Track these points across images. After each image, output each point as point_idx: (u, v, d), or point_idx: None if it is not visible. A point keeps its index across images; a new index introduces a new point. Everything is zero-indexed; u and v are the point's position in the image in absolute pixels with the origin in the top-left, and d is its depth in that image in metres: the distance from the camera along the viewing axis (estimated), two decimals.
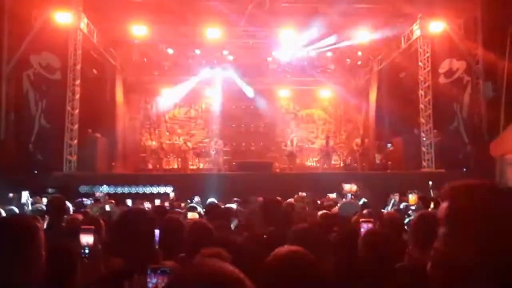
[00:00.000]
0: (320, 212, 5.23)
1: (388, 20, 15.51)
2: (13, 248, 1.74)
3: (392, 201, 7.52)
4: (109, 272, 2.41)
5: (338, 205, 4.95)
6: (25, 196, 7.69)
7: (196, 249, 2.71)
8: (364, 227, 3.27)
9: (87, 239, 2.67)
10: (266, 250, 2.83)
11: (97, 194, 4.90)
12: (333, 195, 9.40)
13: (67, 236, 2.81)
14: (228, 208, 6.71)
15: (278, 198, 5.15)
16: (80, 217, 4.32)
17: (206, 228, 3.24)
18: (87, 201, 7.23)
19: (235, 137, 20.76)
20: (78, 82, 14.05)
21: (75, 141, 13.86)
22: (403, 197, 8.68)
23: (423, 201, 7.06)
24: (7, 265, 1.72)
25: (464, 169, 14.00)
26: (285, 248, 1.53)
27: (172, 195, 11.56)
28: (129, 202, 8.50)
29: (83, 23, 14.14)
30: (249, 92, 19.53)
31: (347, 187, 8.00)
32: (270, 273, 1.43)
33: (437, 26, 14.39)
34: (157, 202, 7.60)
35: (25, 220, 1.98)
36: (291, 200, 7.33)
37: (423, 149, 14.63)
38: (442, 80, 15.01)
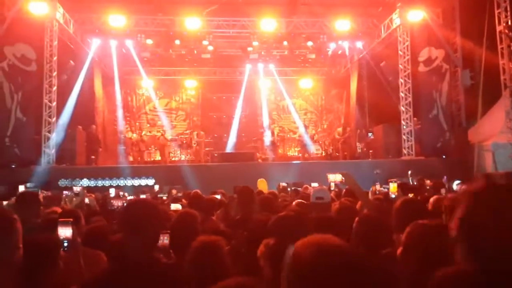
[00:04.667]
0: (296, 201, 5.21)
1: (368, 9, 15.57)
2: None
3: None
4: None
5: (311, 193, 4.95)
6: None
7: (183, 239, 2.67)
8: None
9: (65, 232, 2.58)
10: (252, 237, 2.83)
11: (75, 188, 4.79)
12: (315, 184, 9.42)
13: (44, 230, 2.72)
14: (211, 198, 6.67)
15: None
16: (59, 210, 4.20)
17: (194, 218, 3.21)
18: (67, 193, 7.11)
19: (216, 128, 20.65)
20: (55, 74, 13.75)
21: (53, 134, 13.58)
22: (383, 185, 8.79)
23: (403, 188, 7.13)
24: None
25: (443, 156, 14.22)
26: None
27: (156, 187, 11.44)
28: (112, 191, 8.37)
29: (59, 13, 13.78)
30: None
31: (331, 177, 7.97)
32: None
33: (416, 15, 14.49)
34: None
35: (3, 212, 1.90)
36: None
37: (403, 137, 14.79)
38: (421, 68, 15.15)
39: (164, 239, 2.60)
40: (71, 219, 2.65)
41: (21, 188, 7.72)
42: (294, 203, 5.04)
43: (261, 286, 2.13)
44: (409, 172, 10.34)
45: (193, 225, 3.18)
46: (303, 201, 4.92)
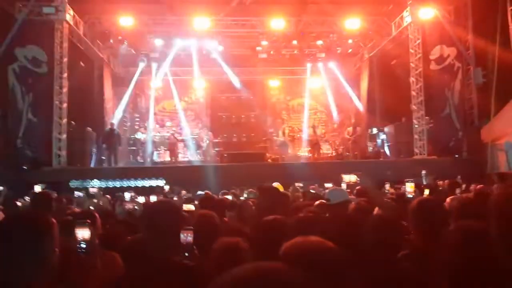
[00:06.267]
0: (318, 201, 5.14)
1: (378, 7, 15.44)
2: (28, 244, 1.73)
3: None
4: None
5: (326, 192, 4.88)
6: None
7: (206, 237, 2.64)
8: None
9: (83, 233, 2.54)
10: (273, 239, 2.77)
11: (91, 190, 4.75)
12: (329, 185, 9.32)
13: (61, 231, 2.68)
14: (222, 199, 6.60)
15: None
16: (76, 210, 4.18)
17: (213, 217, 3.20)
18: (79, 195, 7.07)
19: (226, 129, 20.61)
20: (65, 75, 13.79)
21: (64, 136, 13.63)
22: (395, 185, 8.66)
23: (419, 188, 7.01)
24: (20, 261, 1.70)
25: (456, 156, 14.04)
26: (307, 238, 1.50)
27: (167, 188, 11.41)
28: (127, 195, 8.34)
29: (69, 15, 13.83)
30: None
31: (346, 178, 7.89)
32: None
33: (428, 13, 14.34)
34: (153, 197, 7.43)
35: (41, 216, 1.91)
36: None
37: (415, 136, 14.63)
38: (433, 66, 14.98)
39: (188, 237, 2.59)
40: (89, 221, 2.62)
41: (37, 189, 7.72)
42: (316, 203, 4.98)
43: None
44: (423, 172, 10.19)
45: (214, 223, 3.18)
46: (323, 201, 4.85)
